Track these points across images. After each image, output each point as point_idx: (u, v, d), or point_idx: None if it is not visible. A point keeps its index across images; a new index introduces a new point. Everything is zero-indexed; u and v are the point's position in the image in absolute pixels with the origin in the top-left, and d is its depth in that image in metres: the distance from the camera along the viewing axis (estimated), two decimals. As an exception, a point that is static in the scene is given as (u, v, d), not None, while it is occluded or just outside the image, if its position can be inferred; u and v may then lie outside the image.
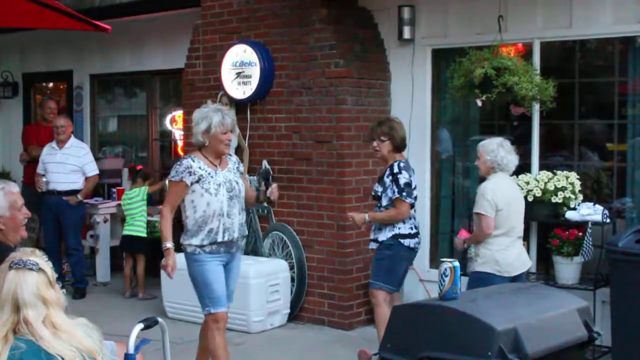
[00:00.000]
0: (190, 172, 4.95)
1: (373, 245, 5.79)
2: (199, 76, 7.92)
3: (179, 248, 5.13)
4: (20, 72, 10.76)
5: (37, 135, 9.18)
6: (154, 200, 8.66)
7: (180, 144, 9.02)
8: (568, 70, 6.60)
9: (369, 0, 7.36)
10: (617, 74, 6.46)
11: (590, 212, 6.03)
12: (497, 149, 5.38)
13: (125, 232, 8.30)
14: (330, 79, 6.96)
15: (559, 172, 6.28)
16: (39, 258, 2.68)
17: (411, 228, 5.70)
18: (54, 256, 6.81)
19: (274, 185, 5.36)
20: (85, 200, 8.46)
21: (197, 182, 4.95)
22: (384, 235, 5.67)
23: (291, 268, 7.15)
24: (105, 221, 8.83)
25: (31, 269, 2.61)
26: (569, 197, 6.17)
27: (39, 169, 8.35)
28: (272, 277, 6.93)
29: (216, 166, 5.05)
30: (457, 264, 3.62)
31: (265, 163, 7.35)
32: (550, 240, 6.21)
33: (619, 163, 6.45)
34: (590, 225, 5.94)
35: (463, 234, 5.77)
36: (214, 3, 7.75)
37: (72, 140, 8.41)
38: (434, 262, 6.93)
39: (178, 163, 5.05)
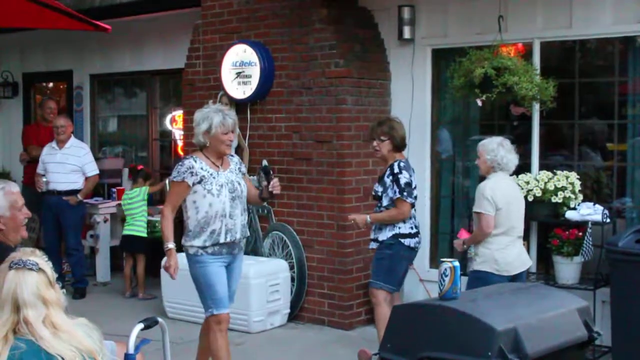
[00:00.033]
0: (192, 173, 4.94)
1: (373, 245, 5.79)
2: (199, 76, 7.92)
3: (179, 248, 5.12)
4: (20, 72, 10.75)
5: (37, 135, 9.18)
6: (154, 200, 8.67)
7: (180, 144, 9.02)
8: (568, 70, 6.60)
9: (369, 0, 7.36)
10: (617, 74, 6.46)
11: (590, 212, 6.03)
12: (497, 149, 5.38)
13: (126, 232, 8.30)
14: (330, 79, 6.96)
15: (559, 172, 6.28)
16: (39, 258, 2.68)
17: (411, 228, 5.70)
18: (54, 256, 6.81)
19: (275, 180, 5.29)
20: (85, 200, 8.46)
21: (199, 182, 4.94)
22: (384, 234, 5.67)
23: (291, 268, 7.15)
24: (105, 221, 8.83)
25: (31, 269, 2.61)
26: (569, 197, 6.17)
27: (39, 169, 8.35)
28: (272, 277, 6.93)
29: (218, 167, 5.04)
30: (457, 263, 3.62)
31: (264, 162, 7.34)
32: (550, 240, 6.21)
33: (619, 163, 6.45)
34: (590, 225, 5.94)
35: (463, 234, 5.77)
36: (214, 3, 7.75)
37: (72, 140, 8.41)
38: (434, 262, 6.93)
39: (180, 163, 5.04)
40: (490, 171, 5.43)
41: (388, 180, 5.66)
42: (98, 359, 2.59)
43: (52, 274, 2.67)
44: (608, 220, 5.96)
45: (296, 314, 7.18)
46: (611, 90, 6.50)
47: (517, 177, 6.19)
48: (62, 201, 8.17)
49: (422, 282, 6.41)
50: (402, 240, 5.65)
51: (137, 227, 8.23)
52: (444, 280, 3.60)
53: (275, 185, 5.21)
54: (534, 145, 6.56)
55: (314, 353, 6.39)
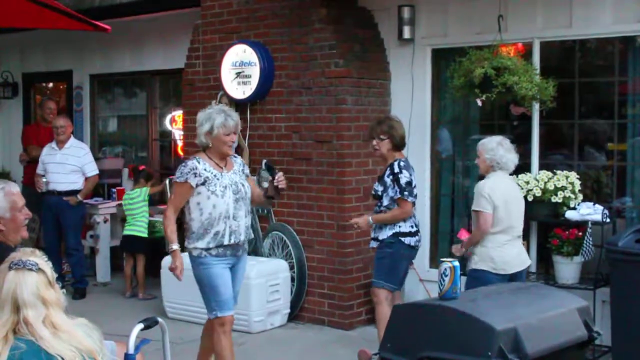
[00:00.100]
0: (195, 174, 4.92)
1: (374, 244, 5.80)
2: (199, 76, 7.92)
3: (182, 249, 5.11)
4: (20, 72, 10.76)
5: (37, 136, 9.18)
6: (154, 201, 8.66)
7: (180, 144, 9.02)
8: (568, 70, 6.60)
9: (369, 0, 7.36)
10: (617, 73, 6.46)
11: (590, 211, 6.03)
12: (496, 148, 5.38)
13: (126, 232, 8.30)
14: (330, 78, 6.96)
15: (558, 172, 6.28)
16: (39, 258, 2.68)
17: (411, 226, 5.71)
18: (54, 256, 6.82)
19: (280, 174, 5.19)
20: (85, 201, 8.46)
21: (203, 184, 4.91)
22: (385, 233, 5.68)
23: (291, 268, 7.15)
24: (105, 221, 8.83)
25: (31, 269, 2.61)
26: (569, 196, 6.17)
27: (39, 170, 8.35)
28: (272, 277, 6.93)
29: (222, 168, 5.02)
30: (456, 263, 3.63)
31: (264, 162, 7.34)
32: (550, 240, 6.21)
33: (619, 162, 6.45)
34: (590, 224, 5.94)
35: (463, 234, 5.77)
36: (213, 3, 7.75)
37: (72, 140, 8.41)
38: (434, 262, 6.93)
39: (183, 164, 5.02)
40: (489, 170, 5.43)
41: (388, 179, 5.66)
42: (98, 359, 2.59)
43: (52, 274, 2.67)
44: (608, 220, 5.96)
45: (296, 314, 7.18)
46: (611, 90, 6.50)
47: (517, 176, 6.20)
48: (62, 201, 8.17)
49: (422, 282, 6.41)
50: (403, 239, 5.65)
51: (137, 228, 8.23)
52: (443, 280, 3.60)
53: (280, 179, 5.11)
54: (534, 145, 6.56)
55: (314, 353, 6.39)
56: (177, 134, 9.18)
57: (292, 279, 7.15)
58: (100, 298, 8.23)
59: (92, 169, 8.39)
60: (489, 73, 5.98)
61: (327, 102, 6.98)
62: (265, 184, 5.63)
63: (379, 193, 5.73)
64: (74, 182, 8.24)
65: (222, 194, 4.93)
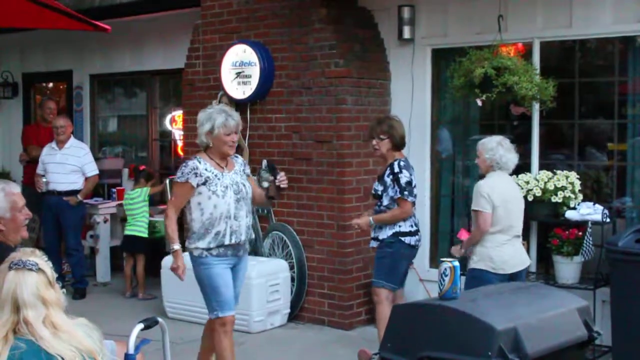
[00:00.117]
0: (196, 174, 4.91)
1: (374, 244, 5.80)
2: (199, 76, 7.92)
3: (183, 249, 5.11)
4: (20, 72, 10.76)
5: (37, 136, 9.18)
6: (155, 201, 8.66)
7: (180, 144, 9.02)
8: (568, 69, 6.60)
9: (369, 0, 7.36)
10: (617, 73, 6.46)
11: (590, 211, 6.03)
12: (496, 147, 5.39)
13: (127, 232, 8.30)
14: (330, 78, 6.96)
15: (558, 172, 6.28)
16: (39, 258, 2.68)
17: (411, 226, 5.71)
18: (54, 256, 6.82)
19: (282, 173, 5.23)
20: (85, 201, 8.46)
21: (204, 184, 4.91)
22: (385, 233, 5.68)
23: (291, 268, 7.15)
24: (105, 221, 8.83)
25: (31, 269, 2.61)
26: (569, 196, 6.17)
27: (39, 170, 8.35)
28: (273, 277, 6.93)
29: (223, 168, 5.02)
30: (456, 263, 3.63)
31: (264, 162, 7.34)
32: (550, 240, 6.21)
33: (619, 162, 6.45)
34: (590, 224, 5.94)
35: (463, 234, 5.77)
36: (213, 3, 7.75)
37: (72, 140, 8.41)
38: (434, 262, 6.93)
39: (184, 164, 5.02)
40: (489, 170, 5.43)
41: (388, 179, 5.67)
42: (98, 359, 2.59)
43: (52, 274, 2.67)
44: (608, 220, 5.96)
45: (296, 314, 7.18)
46: (611, 90, 6.50)
47: (517, 176, 6.20)
48: (62, 201, 8.17)
49: (422, 282, 6.41)
50: (403, 239, 5.66)
51: (138, 228, 8.22)
52: (443, 280, 3.60)
53: (282, 179, 5.14)
54: (534, 144, 6.56)
55: (314, 353, 6.39)
56: (177, 134, 9.18)
57: (292, 279, 7.15)
58: (100, 298, 8.23)
59: (92, 169, 8.39)
60: (489, 73, 5.98)
61: (327, 102, 6.98)
62: (266, 184, 5.63)
63: (379, 193, 5.73)
64: (74, 182, 8.24)
65: (223, 194, 4.92)
